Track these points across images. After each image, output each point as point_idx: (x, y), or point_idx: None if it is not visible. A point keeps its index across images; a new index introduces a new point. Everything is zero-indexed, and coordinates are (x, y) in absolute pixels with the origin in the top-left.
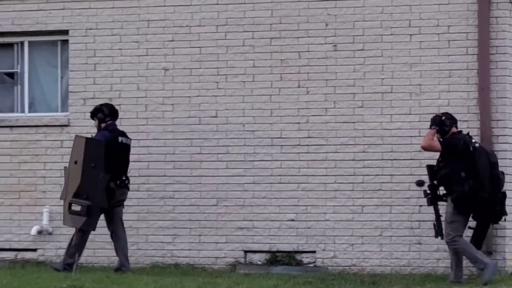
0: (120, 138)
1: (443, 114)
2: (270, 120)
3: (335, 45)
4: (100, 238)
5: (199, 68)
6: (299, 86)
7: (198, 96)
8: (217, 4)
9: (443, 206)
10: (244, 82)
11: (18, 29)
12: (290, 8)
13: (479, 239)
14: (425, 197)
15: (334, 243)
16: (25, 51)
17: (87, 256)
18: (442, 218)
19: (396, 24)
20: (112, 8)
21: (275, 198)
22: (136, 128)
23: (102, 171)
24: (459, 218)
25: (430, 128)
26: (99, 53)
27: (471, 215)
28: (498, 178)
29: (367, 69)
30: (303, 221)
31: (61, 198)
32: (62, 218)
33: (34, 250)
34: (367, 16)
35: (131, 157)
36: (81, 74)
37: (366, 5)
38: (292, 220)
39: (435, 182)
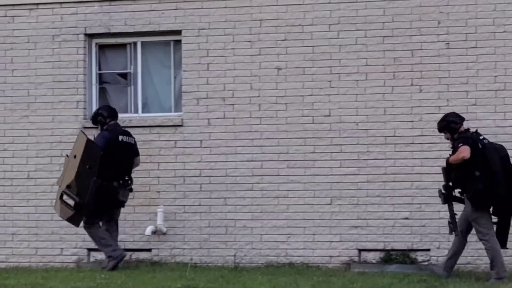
0: (120, 137)
1: (448, 115)
2: (383, 119)
3: (448, 43)
4: (214, 238)
5: (312, 67)
6: (412, 84)
7: (311, 95)
8: (329, 3)
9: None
10: (357, 80)
11: (131, 30)
12: (402, 6)
13: (503, 234)
14: (439, 196)
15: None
16: (138, 51)
17: (201, 256)
18: (457, 216)
19: (509, 21)
20: (225, 8)
21: (389, 196)
22: (250, 127)
23: (95, 175)
24: (481, 214)
25: (440, 132)
26: (212, 53)
27: (491, 210)
28: (511, 171)
29: (480, 67)
30: (417, 219)
31: (57, 184)
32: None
33: (149, 250)
34: (479, 14)
35: (244, 157)
36: (194, 74)
37: (479, 3)
38: (406, 218)
39: (450, 183)
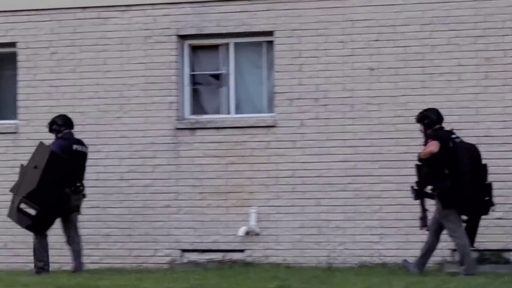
0: (74, 146)
1: (428, 109)
2: (475, 119)
3: None
4: (307, 239)
5: (404, 67)
6: (504, 85)
7: (403, 95)
8: (421, 3)
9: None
10: (449, 81)
11: (223, 31)
12: (494, 6)
13: (471, 233)
14: (411, 193)
15: None
16: (231, 52)
17: (294, 256)
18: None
19: None
20: (317, 8)
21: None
22: (342, 128)
23: (58, 185)
24: (449, 211)
25: (417, 122)
26: (304, 53)
27: (459, 209)
28: (481, 171)
29: None
30: (511, 219)
31: (10, 191)
32: (8, 211)
33: (242, 251)
34: None
35: (337, 157)
36: (286, 75)
37: None
38: (500, 218)
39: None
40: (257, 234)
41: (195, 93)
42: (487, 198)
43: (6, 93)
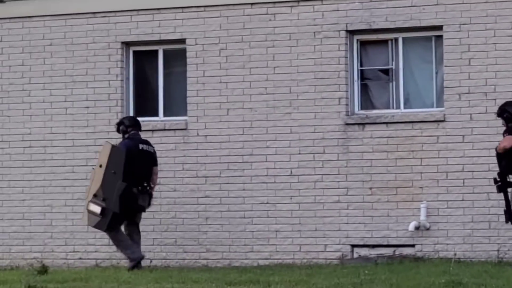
0: (140, 145)
1: (507, 103)
2: None
3: None
4: (477, 233)
5: None
6: None
7: None
8: None
9: None
10: None
11: (392, 26)
12: None
13: None
14: (494, 184)
15: None
16: (399, 47)
17: (465, 251)
18: None
19: None
20: (486, 2)
21: None
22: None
23: (120, 179)
24: None
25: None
26: (473, 48)
27: None
28: None
29: None
30: None
31: (85, 196)
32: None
33: (412, 245)
34: None
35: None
36: (455, 69)
37: None
38: None
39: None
40: (427, 229)
41: (364, 88)
42: None
43: (176, 89)
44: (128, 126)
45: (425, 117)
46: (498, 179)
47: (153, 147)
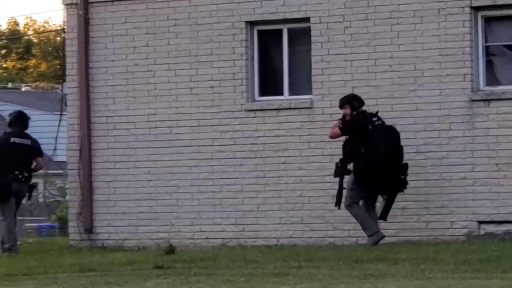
0: (12, 139)
1: (353, 94)
2: None
3: None
4: None
5: None
6: None
7: None
8: None
9: None
10: None
11: None
12: None
13: (386, 209)
14: (335, 169)
15: None
16: None
17: None
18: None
19: None
20: None
21: None
22: None
23: None
24: (356, 187)
25: (342, 106)
26: None
27: (374, 187)
28: (397, 152)
29: None
30: None
31: None
32: None
33: None
34: None
35: None
36: None
37: None
38: None
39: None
40: None
41: (489, 64)
42: (402, 177)
43: (300, 68)
44: (11, 122)
45: None
46: (339, 165)
47: (33, 139)
